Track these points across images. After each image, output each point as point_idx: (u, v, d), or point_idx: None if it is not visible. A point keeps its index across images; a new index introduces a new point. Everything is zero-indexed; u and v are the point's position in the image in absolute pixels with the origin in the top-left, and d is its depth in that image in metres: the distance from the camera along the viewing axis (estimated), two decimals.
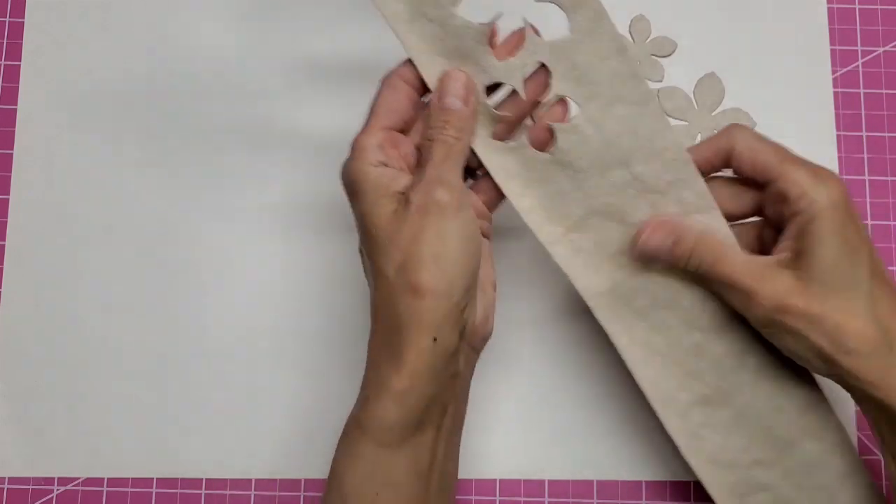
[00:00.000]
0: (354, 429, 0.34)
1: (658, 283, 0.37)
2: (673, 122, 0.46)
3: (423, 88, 0.36)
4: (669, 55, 0.47)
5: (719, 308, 0.37)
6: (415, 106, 0.36)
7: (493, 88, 0.36)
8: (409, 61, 0.36)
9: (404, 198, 0.34)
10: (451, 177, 0.34)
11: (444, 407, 0.35)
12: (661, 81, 0.46)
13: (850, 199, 0.34)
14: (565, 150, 0.35)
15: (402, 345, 0.33)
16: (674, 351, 0.37)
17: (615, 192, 0.36)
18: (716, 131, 0.45)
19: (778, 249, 0.35)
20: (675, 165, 0.35)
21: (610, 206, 0.36)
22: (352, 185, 0.35)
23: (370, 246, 0.34)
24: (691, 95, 0.46)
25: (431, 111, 0.35)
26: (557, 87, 0.35)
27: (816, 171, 0.35)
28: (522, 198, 0.36)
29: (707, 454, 0.38)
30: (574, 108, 0.36)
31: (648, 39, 0.47)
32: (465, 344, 0.35)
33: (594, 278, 0.37)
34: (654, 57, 0.47)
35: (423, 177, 0.34)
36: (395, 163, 0.35)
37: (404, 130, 0.36)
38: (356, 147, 0.35)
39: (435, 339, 0.33)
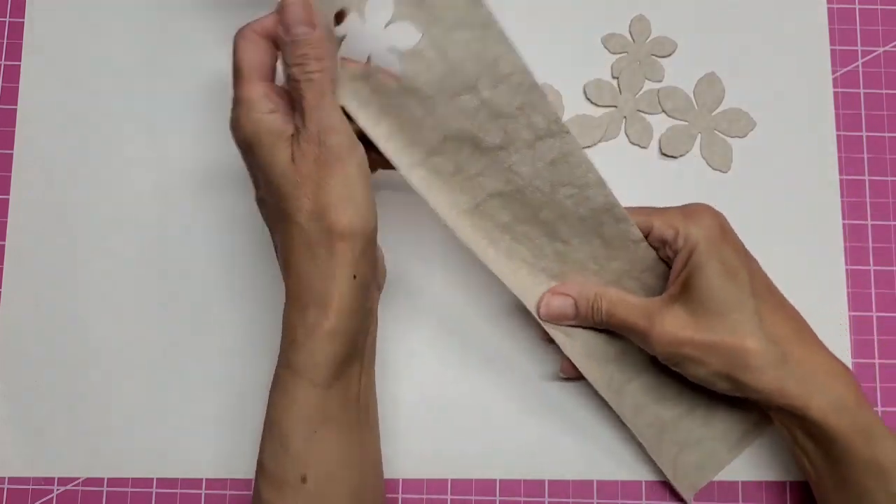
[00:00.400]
0: (286, 374, 0.35)
1: (517, 200, 0.38)
2: (673, 122, 0.46)
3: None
4: (669, 55, 0.47)
5: (577, 222, 0.38)
6: (274, 57, 0.36)
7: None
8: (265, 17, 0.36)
9: (296, 144, 0.34)
10: (335, 118, 0.34)
11: (364, 340, 0.37)
12: (661, 81, 0.46)
13: (725, 227, 0.37)
14: (411, 76, 0.35)
15: (328, 286, 0.34)
16: (539, 259, 0.39)
17: (466, 118, 0.36)
18: (716, 131, 0.46)
19: (667, 287, 0.38)
20: (521, 90, 0.35)
21: (463, 131, 0.36)
22: (249, 137, 0.35)
23: (277, 195, 0.35)
24: (691, 95, 0.46)
25: (284, 49, 0.35)
26: (399, 11, 0.34)
27: (686, 210, 0.38)
28: (377, 126, 0.36)
29: (581, 349, 0.40)
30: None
31: (648, 39, 0.47)
32: (373, 279, 0.37)
33: (459, 197, 0.38)
34: (653, 57, 0.47)
35: (306, 124, 0.34)
36: (282, 108, 0.35)
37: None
38: (244, 100, 0.35)
39: (355, 277, 0.34)
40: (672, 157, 0.46)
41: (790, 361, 0.36)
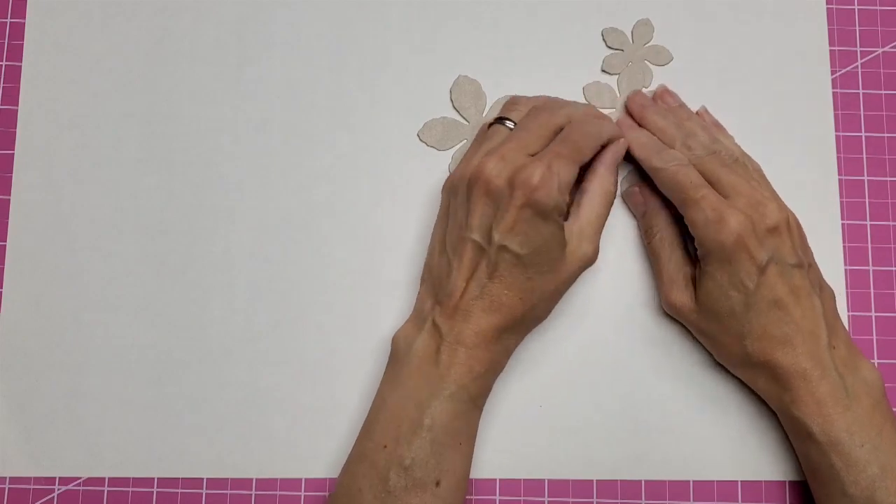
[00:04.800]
0: (463, 394, 0.39)
1: None
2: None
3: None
4: (664, 65, 0.47)
5: None
6: None
7: None
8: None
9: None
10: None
11: None
12: (647, 87, 0.46)
13: (744, 237, 0.39)
14: None
15: (527, 323, 0.41)
16: None
17: None
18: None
19: (697, 266, 0.42)
20: None
21: None
22: (550, 207, 0.39)
23: (537, 256, 0.39)
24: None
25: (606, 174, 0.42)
26: None
27: (717, 210, 0.40)
28: None
29: None
30: None
31: (647, 44, 0.47)
32: None
33: None
34: (646, 63, 0.47)
35: (594, 219, 0.41)
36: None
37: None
38: (564, 179, 0.39)
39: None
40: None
41: (764, 366, 0.40)
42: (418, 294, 0.42)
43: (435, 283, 0.41)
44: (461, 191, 0.40)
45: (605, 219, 0.42)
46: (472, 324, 0.39)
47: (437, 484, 0.38)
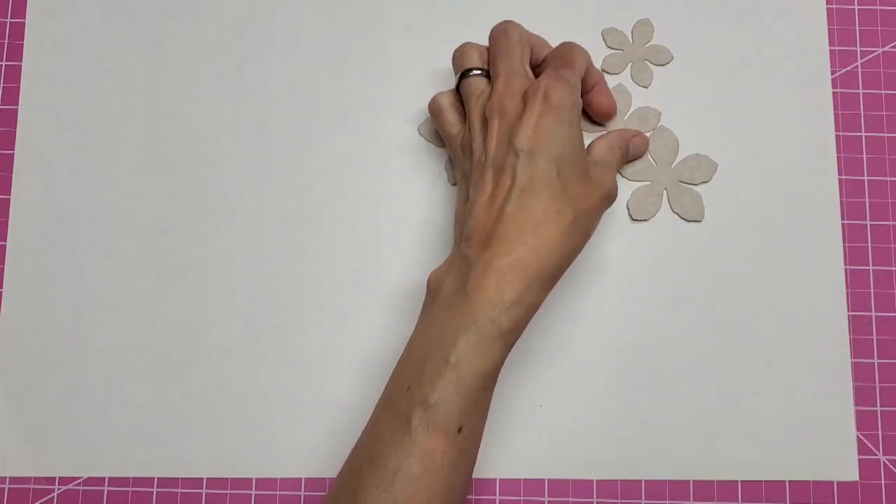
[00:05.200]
0: (494, 332, 0.36)
1: None
2: (636, 184, 0.46)
3: None
4: (665, 65, 0.47)
5: None
6: None
7: None
8: None
9: None
10: None
11: None
12: (647, 87, 0.46)
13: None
14: None
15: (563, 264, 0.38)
16: None
17: None
18: (680, 182, 0.45)
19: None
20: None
21: None
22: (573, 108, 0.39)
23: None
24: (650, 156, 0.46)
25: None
26: None
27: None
28: None
29: None
30: None
31: (647, 44, 0.47)
32: None
33: None
34: (647, 63, 0.47)
35: (612, 153, 0.43)
36: None
37: None
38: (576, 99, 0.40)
39: None
40: (644, 220, 0.45)
41: None
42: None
43: (463, 225, 0.39)
44: (477, 127, 0.40)
45: (621, 163, 0.43)
46: (504, 246, 0.36)
47: (459, 430, 0.35)
